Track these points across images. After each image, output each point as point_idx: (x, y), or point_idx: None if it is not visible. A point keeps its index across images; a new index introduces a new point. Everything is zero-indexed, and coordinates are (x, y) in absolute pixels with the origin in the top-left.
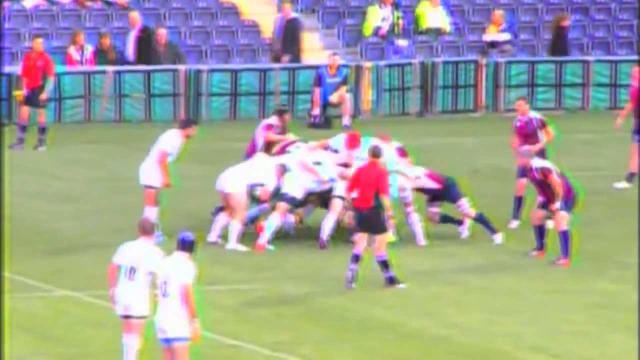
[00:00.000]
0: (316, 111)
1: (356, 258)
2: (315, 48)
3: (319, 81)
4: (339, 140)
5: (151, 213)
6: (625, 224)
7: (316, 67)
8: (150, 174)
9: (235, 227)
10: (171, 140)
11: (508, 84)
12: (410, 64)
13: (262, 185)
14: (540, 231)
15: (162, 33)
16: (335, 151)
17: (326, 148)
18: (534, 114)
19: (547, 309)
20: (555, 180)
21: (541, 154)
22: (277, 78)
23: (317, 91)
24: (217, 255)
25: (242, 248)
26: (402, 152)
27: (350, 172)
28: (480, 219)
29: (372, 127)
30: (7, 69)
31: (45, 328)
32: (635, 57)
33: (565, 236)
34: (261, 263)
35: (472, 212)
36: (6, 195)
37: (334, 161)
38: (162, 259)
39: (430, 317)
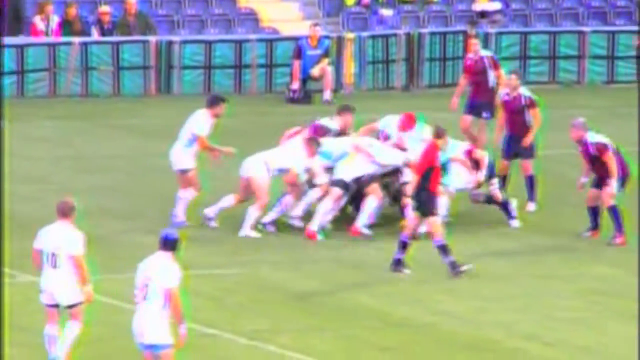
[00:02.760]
0: (295, 85)
1: (403, 245)
2: (295, 18)
3: (299, 53)
4: (388, 121)
5: (187, 194)
6: (621, 204)
7: (296, 39)
8: (181, 158)
9: (254, 214)
10: (200, 122)
11: (499, 56)
12: (395, 35)
13: (287, 170)
14: (594, 211)
15: (132, 2)
16: (383, 131)
17: (373, 132)
18: (524, 91)
19: (540, 296)
20: (611, 158)
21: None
22: (254, 50)
23: (297, 64)
24: (192, 238)
25: (254, 234)
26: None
27: (412, 157)
28: (504, 205)
29: (354, 102)
30: None
31: (10, 316)
32: (633, 28)
33: (615, 212)
34: (238, 247)
35: (500, 195)
36: None
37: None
38: (80, 242)
39: (418, 305)
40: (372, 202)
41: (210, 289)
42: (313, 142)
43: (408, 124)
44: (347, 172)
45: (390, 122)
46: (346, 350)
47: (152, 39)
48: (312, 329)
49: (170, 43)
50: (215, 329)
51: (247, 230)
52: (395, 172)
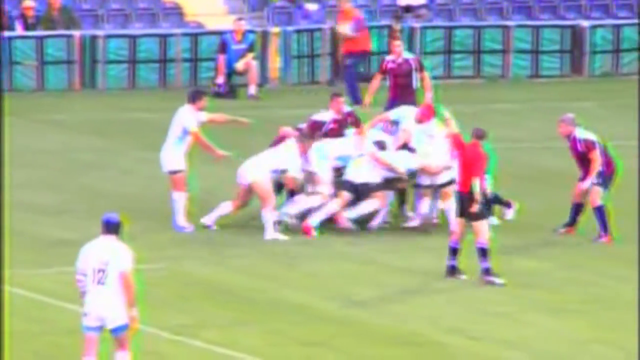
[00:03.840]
0: (220, 80)
1: (453, 251)
2: (219, 13)
3: (224, 48)
4: (402, 112)
5: (180, 198)
6: (547, 197)
7: (220, 33)
8: (171, 159)
9: (269, 216)
10: (187, 118)
11: (424, 50)
12: (320, 29)
13: (284, 171)
14: (577, 208)
15: None
16: (396, 123)
17: (386, 122)
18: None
19: (465, 289)
20: (597, 157)
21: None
22: (179, 44)
23: (222, 58)
24: None
25: (281, 237)
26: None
27: (432, 163)
28: (494, 200)
29: (279, 96)
30: None
31: None
32: (558, 22)
33: (600, 211)
34: (163, 241)
35: (490, 191)
36: None
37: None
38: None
39: (341, 298)
40: (373, 204)
41: (135, 283)
42: (304, 139)
43: (427, 115)
44: (359, 175)
45: (404, 114)
46: (271, 344)
47: (76, 33)
48: (237, 324)
49: (94, 37)
50: (139, 323)
51: (272, 234)
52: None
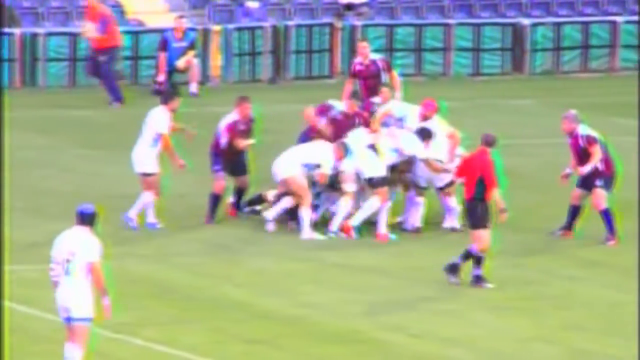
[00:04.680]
0: (161, 77)
1: (477, 259)
2: (160, 10)
3: (164, 46)
4: (403, 108)
5: (149, 197)
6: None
7: (161, 31)
8: (144, 161)
9: (306, 214)
10: (159, 119)
11: None
12: (261, 27)
13: (318, 166)
14: (575, 211)
15: None
16: (400, 120)
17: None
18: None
19: (407, 287)
20: (597, 151)
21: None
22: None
23: (163, 56)
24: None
25: (317, 236)
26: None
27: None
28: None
29: (220, 94)
30: None
31: None
32: (499, 20)
33: (607, 215)
34: (104, 239)
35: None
36: None
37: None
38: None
39: (284, 296)
40: (376, 202)
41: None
42: (342, 146)
43: (431, 110)
44: (375, 169)
45: (408, 110)
46: (213, 342)
47: (17, 31)
48: (178, 322)
49: (34, 35)
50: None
51: (308, 233)
52: (407, 163)
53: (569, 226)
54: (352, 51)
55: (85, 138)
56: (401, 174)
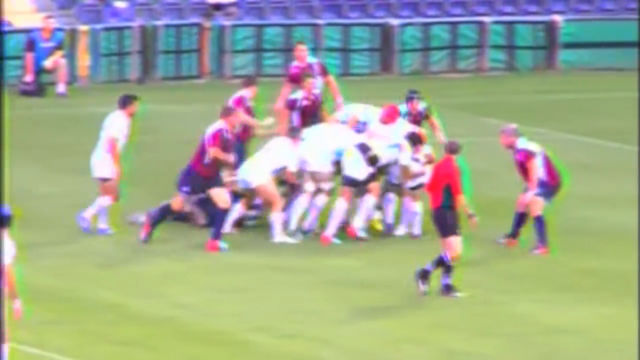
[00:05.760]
0: (29, 78)
1: (447, 269)
2: (27, 10)
3: (32, 46)
4: (367, 113)
5: (104, 202)
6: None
7: (28, 31)
8: (102, 166)
9: (277, 218)
10: (117, 124)
11: (234, 48)
12: (129, 27)
13: (284, 168)
14: (520, 218)
15: None
16: (364, 124)
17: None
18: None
19: (276, 287)
20: (534, 166)
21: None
22: None
23: (30, 56)
24: None
25: (290, 239)
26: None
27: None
28: None
29: (89, 94)
30: None
31: None
32: (368, 21)
33: (539, 222)
34: None
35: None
36: None
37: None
38: None
39: (155, 297)
40: (370, 200)
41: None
42: (294, 132)
43: (391, 116)
44: (357, 170)
45: (372, 114)
46: (83, 344)
47: None
48: (48, 324)
49: None
50: None
51: (280, 237)
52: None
53: (514, 234)
54: (221, 51)
55: None
56: (377, 176)
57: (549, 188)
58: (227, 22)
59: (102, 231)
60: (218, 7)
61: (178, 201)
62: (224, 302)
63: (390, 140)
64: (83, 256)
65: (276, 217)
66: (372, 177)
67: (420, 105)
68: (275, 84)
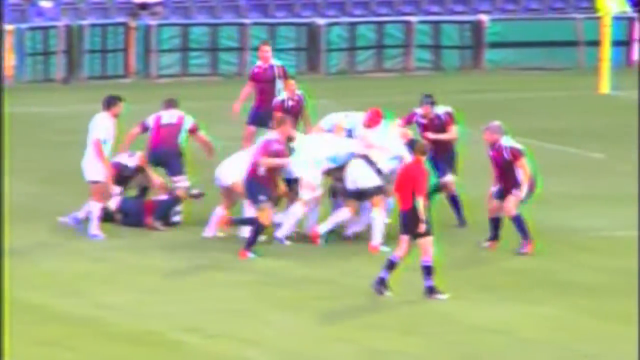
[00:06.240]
0: None
1: (391, 264)
2: None
3: None
4: (351, 120)
5: (95, 207)
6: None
7: None
8: (91, 168)
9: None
10: (100, 125)
11: (160, 48)
12: (55, 27)
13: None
14: (495, 223)
15: None
16: (350, 131)
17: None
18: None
19: (204, 288)
20: (525, 165)
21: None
22: None
23: None
24: None
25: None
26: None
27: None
28: None
29: (14, 94)
30: None
31: None
32: (294, 20)
33: (518, 221)
34: None
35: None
36: None
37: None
38: None
39: (79, 297)
40: (379, 216)
41: None
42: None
43: (374, 120)
44: (363, 180)
45: (355, 120)
46: (5, 345)
47: None
48: None
49: None
50: None
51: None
52: (339, 170)
53: (494, 237)
54: (146, 50)
55: None
56: (336, 182)
57: (526, 190)
58: (153, 22)
59: (93, 236)
60: (144, 6)
61: (266, 215)
62: (150, 303)
63: (390, 152)
64: (6, 256)
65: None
66: (379, 190)
67: (439, 110)
68: (201, 84)
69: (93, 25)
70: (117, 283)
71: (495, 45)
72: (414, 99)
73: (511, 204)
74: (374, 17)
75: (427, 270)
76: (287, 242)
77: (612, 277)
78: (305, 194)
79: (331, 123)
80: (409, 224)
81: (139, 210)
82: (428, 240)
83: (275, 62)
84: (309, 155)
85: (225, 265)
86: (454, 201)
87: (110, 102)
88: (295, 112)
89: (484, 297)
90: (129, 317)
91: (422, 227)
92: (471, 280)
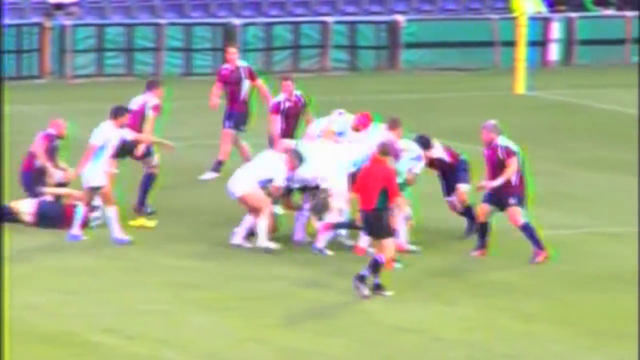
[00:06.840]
0: None
1: (375, 263)
2: None
3: None
4: (341, 123)
5: (111, 212)
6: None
7: None
8: (91, 175)
9: (263, 223)
10: (103, 133)
11: (75, 48)
12: None
13: (270, 181)
14: (484, 229)
15: None
16: (340, 134)
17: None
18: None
19: (124, 289)
20: (514, 163)
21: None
22: None
23: None
24: None
25: (273, 245)
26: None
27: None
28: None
29: None
30: None
31: None
32: (210, 20)
33: (527, 229)
34: None
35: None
36: None
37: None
38: None
39: None
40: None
41: None
42: (295, 155)
43: (364, 124)
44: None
45: (345, 124)
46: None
47: None
48: None
49: None
50: None
51: (263, 242)
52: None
53: (482, 245)
54: (61, 51)
55: None
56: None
57: (520, 194)
58: (68, 22)
59: (120, 241)
60: (59, 6)
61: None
62: (69, 303)
63: (411, 154)
64: None
65: (262, 222)
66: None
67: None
68: (117, 84)
69: (8, 26)
70: (37, 284)
71: (411, 45)
72: (330, 99)
73: (516, 215)
74: (290, 18)
75: (377, 268)
76: (329, 252)
77: (528, 277)
78: (337, 202)
79: (320, 129)
80: (371, 223)
81: (58, 214)
82: (392, 241)
83: (241, 63)
84: (330, 163)
85: (144, 267)
86: (468, 210)
87: (117, 113)
88: (294, 114)
89: (403, 297)
90: (48, 317)
91: (410, 224)
92: (390, 280)
